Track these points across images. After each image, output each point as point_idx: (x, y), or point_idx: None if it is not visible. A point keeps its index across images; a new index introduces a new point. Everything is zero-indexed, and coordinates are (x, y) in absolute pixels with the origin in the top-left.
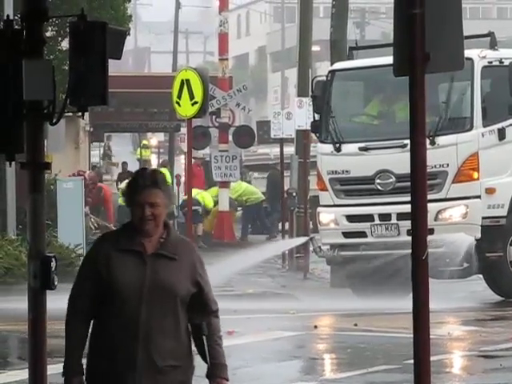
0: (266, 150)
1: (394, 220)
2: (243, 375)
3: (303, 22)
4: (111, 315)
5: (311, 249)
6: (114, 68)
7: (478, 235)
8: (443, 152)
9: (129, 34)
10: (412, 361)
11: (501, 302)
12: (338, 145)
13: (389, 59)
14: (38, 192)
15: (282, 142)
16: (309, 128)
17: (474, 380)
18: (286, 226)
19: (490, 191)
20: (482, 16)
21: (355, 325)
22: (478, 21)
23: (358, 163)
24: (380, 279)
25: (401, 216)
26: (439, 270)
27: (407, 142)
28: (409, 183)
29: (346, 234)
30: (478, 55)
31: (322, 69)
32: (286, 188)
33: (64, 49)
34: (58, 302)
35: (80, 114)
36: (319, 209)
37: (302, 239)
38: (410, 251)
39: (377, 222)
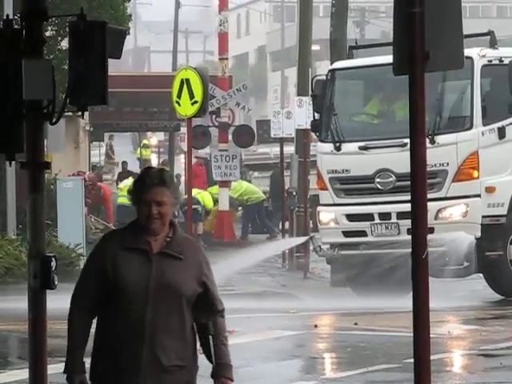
0: (265, 150)
1: (394, 219)
2: (244, 374)
3: (303, 21)
4: (116, 314)
5: (311, 248)
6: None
7: (478, 234)
8: (443, 151)
9: (128, 34)
10: (412, 360)
11: (501, 300)
12: (337, 144)
13: (388, 58)
14: (37, 192)
15: (281, 141)
16: (309, 127)
17: (474, 379)
18: (286, 225)
19: (490, 190)
20: (481, 15)
21: (355, 324)
22: (477, 19)
23: (357, 162)
24: (380, 278)
25: (401, 215)
26: (439, 269)
27: (407, 140)
28: (409, 182)
29: (346, 233)
30: (477, 54)
31: (321, 68)
32: (286, 187)
33: (64, 48)
34: (58, 301)
35: (80, 113)
36: (319, 208)
37: (302, 238)
38: (410, 250)
39: (377, 221)
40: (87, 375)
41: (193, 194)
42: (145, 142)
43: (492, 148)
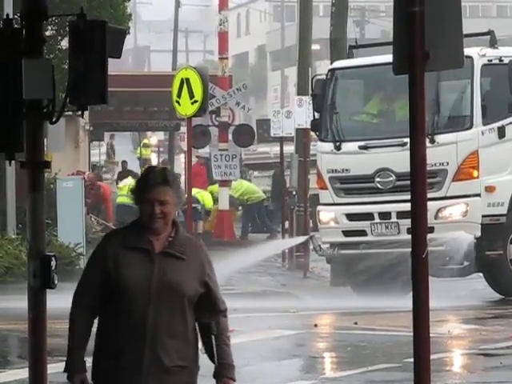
0: (265, 149)
1: (393, 218)
2: (243, 374)
3: (303, 20)
4: (118, 314)
5: (311, 247)
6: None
7: (478, 233)
8: (443, 150)
9: (128, 33)
10: (412, 359)
11: (501, 300)
12: (337, 143)
13: (388, 57)
14: (37, 191)
15: (281, 140)
16: (309, 127)
17: (474, 378)
18: (286, 224)
19: (489, 189)
20: (481, 14)
21: (355, 323)
22: (477, 19)
23: (357, 162)
24: (380, 278)
25: (401, 214)
26: (439, 269)
27: (407, 140)
28: (409, 182)
29: (346, 233)
30: (477, 53)
31: (321, 67)
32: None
33: (64, 48)
34: (58, 301)
35: (80, 112)
36: (319, 207)
37: (302, 238)
38: (409, 250)
39: (377, 220)
40: (89, 375)
41: (192, 193)
42: (145, 141)
43: (492, 147)
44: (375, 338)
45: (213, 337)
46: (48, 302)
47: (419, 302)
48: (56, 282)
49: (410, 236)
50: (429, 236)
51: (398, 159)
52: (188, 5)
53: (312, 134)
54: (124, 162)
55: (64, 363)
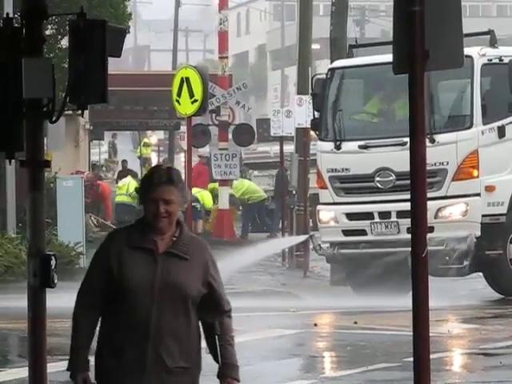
0: (265, 148)
1: (393, 218)
2: (243, 373)
3: (303, 20)
4: (121, 314)
5: (311, 247)
6: (114, 66)
7: (478, 233)
8: (443, 150)
9: (128, 32)
10: (412, 359)
11: (501, 299)
12: (337, 143)
13: (388, 57)
14: (37, 190)
15: (281, 140)
16: (308, 126)
17: (473, 378)
18: (286, 224)
19: (489, 189)
20: (481, 14)
21: (355, 323)
22: (477, 19)
23: (357, 161)
24: (380, 277)
25: (401, 214)
26: (439, 268)
27: (407, 139)
28: (408, 181)
29: (346, 232)
30: (477, 53)
31: (321, 67)
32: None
33: (64, 47)
34: (57, 300)
35: (80, 112)
36: (319, 207)
37: (302, 237)
38: (409, 249)
39: (377, 219)
40: (93, 374)
41: (192, 193)
42: (145, 140)
43: (492, 147)
44: (375, 337)
45: (216, 337)
46: (48, 301)
47: (419, 302)
48: (56, 281)
49: (409, 235)
50: (429, 235)
51: (398, 159)
52: (188, 4)
53: (312, 133)
54: (124, 161)
55: (67, 362)
